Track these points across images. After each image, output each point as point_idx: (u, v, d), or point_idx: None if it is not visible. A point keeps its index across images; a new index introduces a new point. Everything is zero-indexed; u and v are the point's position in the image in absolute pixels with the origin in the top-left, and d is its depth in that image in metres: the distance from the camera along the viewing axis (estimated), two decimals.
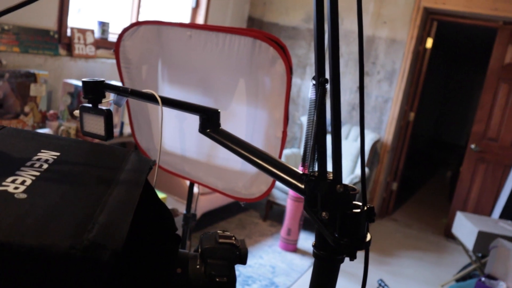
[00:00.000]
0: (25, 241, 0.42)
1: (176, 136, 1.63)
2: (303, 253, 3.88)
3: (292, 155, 4.49)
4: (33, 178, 0.54)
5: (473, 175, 4.63)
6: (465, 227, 3.57)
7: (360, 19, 0.60)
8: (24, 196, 0.50)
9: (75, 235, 0.44)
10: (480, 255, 3.66)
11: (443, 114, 9.33)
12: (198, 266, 0.60)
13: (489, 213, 4.42)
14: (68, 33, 3.24)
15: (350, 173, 4.43)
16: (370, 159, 4.52)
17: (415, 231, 4.86)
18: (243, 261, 0.61)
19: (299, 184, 0.75)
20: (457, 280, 3.64)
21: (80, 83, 3.06)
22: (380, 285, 2.69)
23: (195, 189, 2.54)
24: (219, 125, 0.95)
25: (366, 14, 4.53)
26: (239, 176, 1.57)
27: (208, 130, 0.94)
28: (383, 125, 4.63)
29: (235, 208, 4.38)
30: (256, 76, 1.46)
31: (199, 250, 0.62)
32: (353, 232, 0.67)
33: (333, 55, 0.58)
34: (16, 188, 0.51)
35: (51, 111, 3.03)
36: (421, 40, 4.58)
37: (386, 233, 4.65)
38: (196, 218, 1.67)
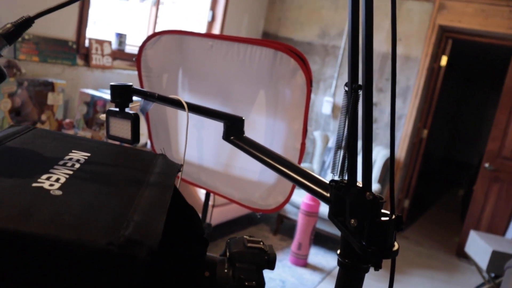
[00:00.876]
0: (63, 235, 0.42)
1: (194, 145, 1.63)
2: (314, 268, 3.84)
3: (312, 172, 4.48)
4: (67, 176, 0.55)
5: (487, 194, 4.57)
6: (479, 246, 3.52)
7: (394, 41, 0.60)
8: (59, 192, 0.50)
9: (111, 232, 0.44)
10: (493, 275, 3.60)
11: (455, 132, 9.27)
12: (226, 270, 0.60)
13: (503, 233, 4.36)
14: (86, 43, 3.29)
15: None
16: (382, 175, 4.49)
17: (426, 249, 4.80)
18: (271, 266, 0.61)
19: (324, 193, 0.75)
20: None
21: (96, 93, 3.09)
22: None
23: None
24: (243, 132, 0.95)
25: (381, 31, 4.54)
26: (256, 186, 1.57)
27: (232, 137, 0.94)
28: (396, 141, 4.61)
29: (246, 221, 4.36)
30: (276, 87, 1.47)
31: (227, 254, 0.61)
32: (381, 240, 0.66)
33: (367, 61, 0.58)
34: (51, 185, 0.51)
35: (67, 120, 3.06)
36: (435, 58, 4.58)
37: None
38: (211, 228, 1.67)
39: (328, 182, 0.74)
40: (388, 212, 0.68)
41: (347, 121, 0.61)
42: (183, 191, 3.58)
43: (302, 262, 3.83)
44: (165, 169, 0.67)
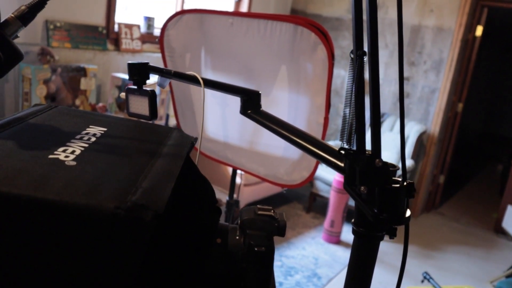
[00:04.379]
0: (74, 201, 0.45)
1: (219, 123, 1.66)
2: (346, 245, 3.85)
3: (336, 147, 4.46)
4: (82, 148, 0.58)
5: None
6: None
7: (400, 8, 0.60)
8: (74, 163, 0.53)
9: (119, 197, 0.47)
10: None
11: (494, 106, 8.96)
12: (237, 237, 0.62)
13: None
14: (116, 28, 3.35)
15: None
16: (416, 151, 4.42)
17: (463, 226, 4.71)
18: (282, 233, 0.62)
19: (339, 163, 0.76)
20: (507, 276, 3.51)
21: (127, 77, 3.15)
22: (425, 277, 2.64)
23: (238, 180, 2.56)
24: (260, 106, 0.96)
25: (411, 2, 4.42)
26: (281, 162, 1.58)
27: (249, 111, 0.95)
28: (429, 116, 4.51)
29: (278, 199, 4.39)
30: (298, 62, 1.47)
31: (239, 222, 0.63)
32: (393, 207, 0.66)
33: (371, 28, 0.58)
34: (66, 156, 0.54)
35: (100, 104, 3.14)
36: (470, 28, 4.43)
37: (432, 227, 4.54)
38: (239, 205, 1.70)
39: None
40: (400, 179, 0.68)
41: (354, 88, 0.61)
42: (214, 170, 3.63)
43: (334, 239, 3.84)
44: (178, 141, 0.69)
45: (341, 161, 0.75)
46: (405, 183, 0.67)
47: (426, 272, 2.66)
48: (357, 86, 0.61)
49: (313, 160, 1.54)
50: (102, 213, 0.45)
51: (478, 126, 8.88)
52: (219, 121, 1.66)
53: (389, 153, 4.42)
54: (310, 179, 1.55)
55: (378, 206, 0.66)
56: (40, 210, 0.45)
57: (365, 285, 0.75)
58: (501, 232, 4.50)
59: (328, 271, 3.37)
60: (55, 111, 0.73)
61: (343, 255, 3.65)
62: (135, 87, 0.87)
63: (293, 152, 1.56)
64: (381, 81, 4.77)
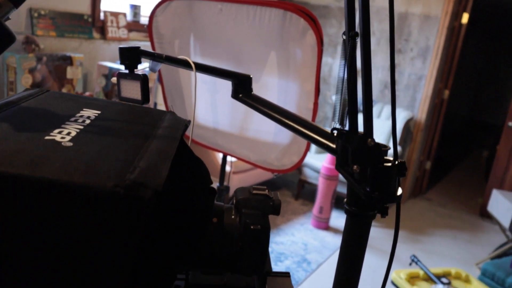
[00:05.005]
0: (73, 180, 0.46)
1: (209, 109, 1.66)
2: (335, 231, 3.89)
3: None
4: (77, 130, 0.58)
5: (511, 153, 4.51)
6: (502, 205, 3.50)
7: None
8: (70, 144, 0.53)
9: (118, 176, 0.47)
10: None
11: (479, 93, 9.06)
12: (233, 216, 0.63)
13: None
14: (101, 16, 3.31)
15: None
16: (402, 137, 4.47)
17: (449, 210, 4.79)
18: (277, 212, 0.63)
19: (331, 144, 0.77)
20: (492, 258, 3.58)
21: (114, 65, 3.12)
22: (413, 260, 2.68)
23: (227, 168, 2.57)
24: (251, 90, 0.97)
25: None
26: (271, 148, 1.59)
27: (240, 95, 0.96)
28: (416, 103, 4.55)
29: (267, 186, 4.41)
30: (287, 48, 1.47)
31: (234, 201, 0.64)
32: (384, 186, 0.68)
33: (364, 9, 0.59)
34: (62, 138, 0.55)
35: (87, 93, 3.11)
36: (456, 16, 4.46)
37: (419, 212, 4.60)
38: (229, 192, 1.70)
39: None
40: (391, 159, 0.69)
41: (346, 68, 0.62)
42: (203, 157, 3.65)
43: (323, 225, 3.88)
44: (172, 124, 0.69)
45: (333, 143, 0.76)
46: (396, 162, 0.68)
47: (414, 255, 2.71)
48: (349, 66, 0.62)
49: (303, 145, 1.56)
50: (101, 191, 0.45)
51: (464, 113, 8.98)
52: (209, 107, 1.66)
53: (376, 140, 4.45)
54: (300, 164, 1.56)
55: (370, 185, 0.67)
56: (39, 190, 0.45)
57: (357, 263, 0.76)
58: (486, 216, 4.58)
59: (318, 256, 3.40)
60: (47, 95, 0.73)
61: (332, 241, 3.69)
62: (126, 71, 0.87)
63: (283, 137, 1.57)
64: None
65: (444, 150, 6.63)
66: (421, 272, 2.59)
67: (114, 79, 0.90)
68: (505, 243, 3.82)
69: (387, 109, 4.59)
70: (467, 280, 2.56)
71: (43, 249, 0.46)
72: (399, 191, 0.70)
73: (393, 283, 2.50)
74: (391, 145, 4.40)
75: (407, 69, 4.56)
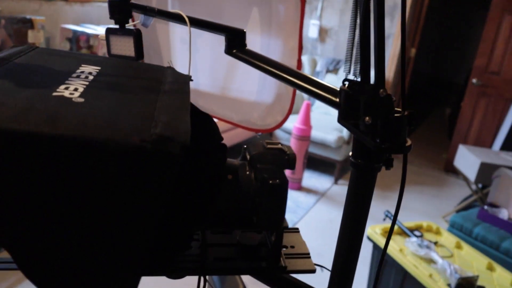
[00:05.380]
0: (94, 136, 0.42)
1: (188, 71, 1.61)
2: (308, 190, 3.95)
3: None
4: (84, 86, 0.54)
5: (474, 109, 4.65)
6: (468, 159, 3.62)
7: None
8: (81, 100, 0.50)
9: (141, 131, 0.45)
10: (481, 186, 3.74)
11: (442, 51, 9.22)
12: (247, 173, 0.61)
13: (489, 146, 4.48)
14: None
15: None
16: None
17: (416, 167, 4.93)
18: (292, 166, 0.62)
19: (333, 98, 0.76)
20: (458, 211, 3.73)
21: (78, 28, 2.98)
22: (387, 216, 2.76)
23: None
24: (245, 45, 0.94)
25: None
26: (254, 107, 1.57)
27: (234, 51, 0.93)
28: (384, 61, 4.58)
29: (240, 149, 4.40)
30: (270, 4, 1.43)
31: (247, 157, 0.62)
32: (395, 136, 0.67)
33: None
34: (71, 93, 0.51)
35: None
36: None
37: (388, 170, 4.71)
38: None
39: (336, 88, 0.75)
40: (400, 109, 0.69)
41: (359, 15, 0.60)
42: None
43: (296, 185, 3.93)
44: (176, 78, 0.66)
45: (335, 97, 0.75)
46: (406, 113, 0.68)
47: (388, 211, 2.78)
48: (363, 13, 0.60)
49: (287, 104, 1.54)
50: (126, 147, 0.43)
51: (427, 72, 9.14)
52: (188, 68, 1.61)
53: None
54: (284, 123, 1.54)
55: (380, 136, 0.67)
56: (59, 148, 0.42)
57: (363, 215, 0.77)
58: (451, 171, 4.74)
59: (292, 216, 3.45)
60: (37, 51, 0.68)
61: (305, 201, 3.75)
62: (116, 26, 0.82)
63: (267, 96, 1.55)
64: (336, 28, 4.77)
65: (410, 108, 6.75)
66: (395, 227, 2.67)
67: (102, 36, 0.85)
68: (470, 195, 3.98)
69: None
70: (437, 232, 2.65)
71: (68, 209, 0.43)
72: (409, 141, 0.69)
73: (369, 238, 2.57)
74: None
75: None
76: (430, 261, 2.31)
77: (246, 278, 0.94)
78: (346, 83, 0.67)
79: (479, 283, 2.17)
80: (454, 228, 2.94)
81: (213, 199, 0.59)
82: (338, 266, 0.80)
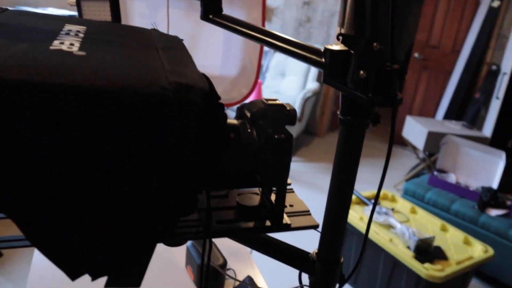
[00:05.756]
0: (111, 85, 0.40)
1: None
2: None
3: None
4: (79, 41, 0.51)
5: (417, 82, 4.83)
6: (415, 129, 3.76)
7: None
8: (83, 53, 0.46)
9: (157, 80, 0.42)
10: (427, 154, 3.91)
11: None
12: (249, 130, 0.60)
13: (433, 116, 4.68)
14: None
15: (302, 88, 4.48)
16: (319, 73, 4.58)
17: (366, 141, 5.01)
18: (293, 121, 0.61)
19: (317, 58, 0.75)
20: (407, 180, 3.89)
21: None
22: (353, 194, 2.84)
23: None
24: (221, 9, 0.92)
25: None
26: (219, 81, 1.54)
27: (210, 16, 0.91)
28: (330, 39, 4.65)
29: None
30: None
31: (248, 115, 0.61)
32: (387, 90, 0.68)
33: None
34: (69, 48, 0.47)
35: None
36: None
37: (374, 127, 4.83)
38: None
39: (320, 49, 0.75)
40: (390, 63, 0.69)
41: None
42: None
43: None
44: (167, 38, 0.63)
45: (320, 57, 0.75)
46: (396, 66, 0.69)
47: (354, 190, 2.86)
48: None
49: (252, 76, 1.53)
50: (146, 95, 0.40)
51: None
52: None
53: (295, 77, 4.53)
54: (249, 95, 1.53)
55: (373, 90, 0.67)
56: (74, 99, 0.38)
57: (353, 173, 0.78)
58: (397, 142, 4.92)
59: None
60: (11, 12, 0.63)
61: None
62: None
63: (231, 69, 1.53)
64: (282, 7, 4.78)
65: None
66: (353, 197, 2.75)
67: (71, 1, 0.80)
68: (418, 164, 4.16)
69: None
70: (393, 200, 2.76)
71: (88, 162, 0.40)
72: (399, 94, 0.71)
73: None
74: (309, 79, 4.49)
75: (320, 5, 4.61)
76: (389, 226, 2.40)
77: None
78: (341, 37, 0.67)
79: (435, 243, 2.28)
80: (408, 194, 3.06)
81: (218, 158, 0.58)
82: (329, 225, 0.81)
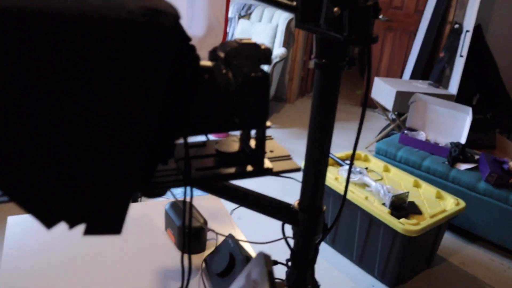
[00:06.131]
0: (88, 13, 0.36)
1: None
2: None
3: None
4: None
5: (383, 44, 4.85)
6: (384, 90, 3.80)
7: None
8: None
9: (124, 5, 0.39)
10: (397, 113, 3.96)
11: None
12: (224, 71, 0.57)
13: (400, 76, 4.72)
14: None
15: None
16: (286, 39, 4.54)
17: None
18: (268, 60, 0.59)
19: (289, 3, 0.73)
20: (378, 141, 3.94)
21: None
22: None
23: None
24: None
25: None
26: None
27: None
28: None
29: None
30: None
31: (222, 55, 0.58)
32: (362, 28, 0.66)
33: None
34: None
35: None
36: None
37: (307, 109, 4.83)
38: None
39: None
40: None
41: None
42: None
43: None
44: None
45: (291, 1, 0.73)
46: (370, 2, 0.67)
47: None
48: None
49: (219, 35, 1.49)
50: (114, 21, 0.37)
51: None
52: None
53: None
54: None
55: (348, 28, 0.65)
56: (57, 25, 0.35)
57: (331, 116, 0.76)
58: (368, 105, 4.96)
59: None
60: None
61: None
62: None
63: (197, 29, 1.48)
64: None
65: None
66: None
67: None
68: (387, 125, 4.21)
69: (268, 11, 4.59)
70: (366, 159, 2.79)
71: (56, 96, 0.37)
72: (374, 33, 0.69)
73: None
74: (276, 45, 4.44)
75: None
76: (364, 185, 2.43)
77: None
78: None
79: (409, 199, 2.32)
80: (380, 154, 3.10)
81: (193, 100, 0.55)
82: (310, 169, 0.80)
